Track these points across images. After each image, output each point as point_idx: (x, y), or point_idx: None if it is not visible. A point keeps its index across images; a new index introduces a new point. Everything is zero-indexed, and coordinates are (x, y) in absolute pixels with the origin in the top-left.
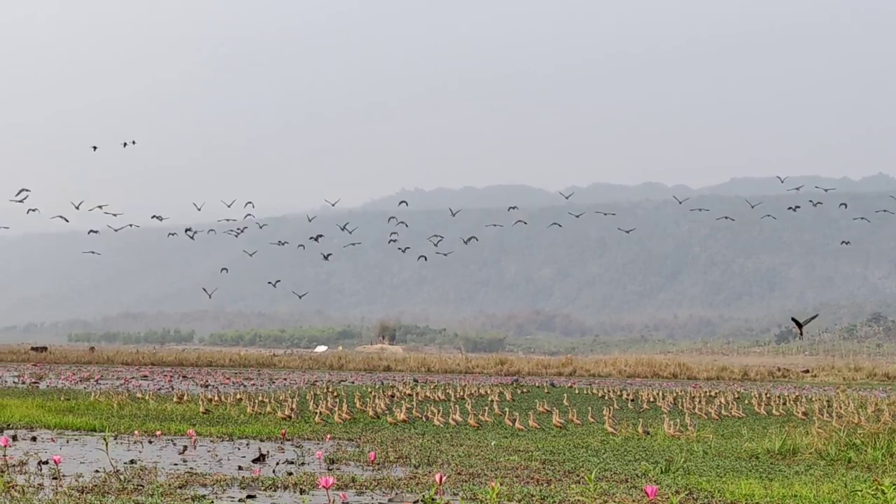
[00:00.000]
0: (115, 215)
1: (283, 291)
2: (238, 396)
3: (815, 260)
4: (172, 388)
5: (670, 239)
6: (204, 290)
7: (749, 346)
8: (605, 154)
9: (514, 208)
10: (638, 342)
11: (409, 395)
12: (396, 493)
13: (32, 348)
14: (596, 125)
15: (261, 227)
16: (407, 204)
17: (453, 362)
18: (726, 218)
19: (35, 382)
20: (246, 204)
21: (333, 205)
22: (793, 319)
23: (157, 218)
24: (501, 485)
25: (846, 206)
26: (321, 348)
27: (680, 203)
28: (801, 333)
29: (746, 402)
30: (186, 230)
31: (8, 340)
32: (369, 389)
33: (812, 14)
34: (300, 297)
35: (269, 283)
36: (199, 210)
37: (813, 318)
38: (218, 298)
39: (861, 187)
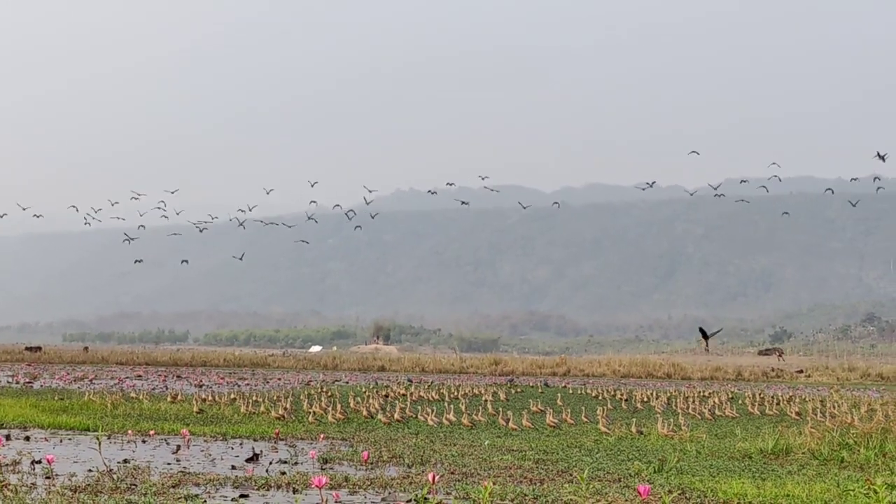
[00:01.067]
0: (122, 217)
1: (278, 291)
2: (232, 396)
3: (809, 260)
4: (166, 388)
5: (665, 239)
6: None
7: (743, 346)
8: (600, 154)
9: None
10: (632, 342)
11: (404, 395)
12: (389, 493)
13: (27, 348)
14: (591, 125)
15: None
16: (435, 193)
17: (448, 362)
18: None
19: (29, 382)
20: (157, 199)
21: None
22: (700, 330)
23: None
24: (494, 484)
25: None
26: (316, 348)
27: (642, 190)
28: (707, 346)
29: (740, 402)
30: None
31: (2, 340)
32: (363, 389)
33: (805, 17)
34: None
35: (234, 257)
36: (137, 198)
37: (718, 331)
38: (213, 298)
39: (855, 188)
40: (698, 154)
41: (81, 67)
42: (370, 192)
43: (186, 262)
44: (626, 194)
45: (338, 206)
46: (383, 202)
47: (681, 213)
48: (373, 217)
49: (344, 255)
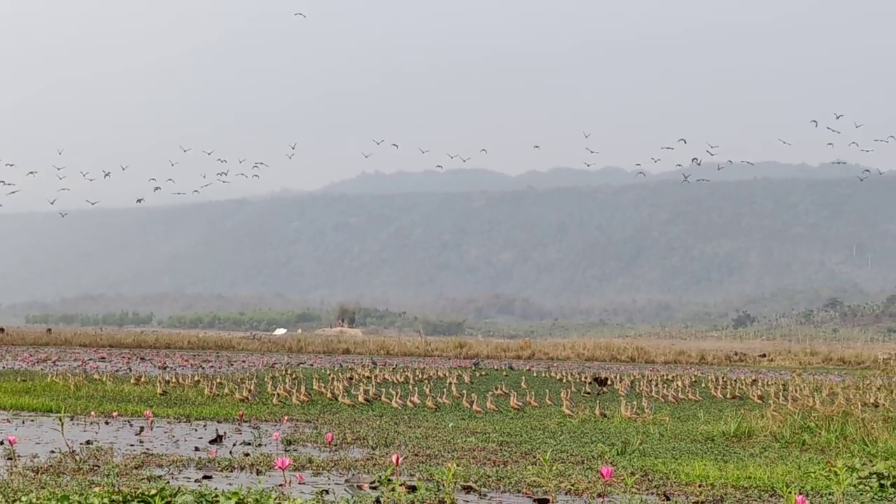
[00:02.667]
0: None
1: (243, 274)
2: (196, 378)
3: (773, 245)
4: (130, 370)
5: (629, 223)
6: None
7: (707, 330)
8: (566, 138)
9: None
10: (596, 326)
11: (368, 377)
12: (353, 474)
13: None
14: (556, 110)
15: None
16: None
17: (412, 345)
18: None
19: None
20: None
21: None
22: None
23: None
24: (458, 466)
25: None
26: (280, 331)
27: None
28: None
29: (703, 385)
30: None
31: None
32: (328, 372)
33: (765, 6)
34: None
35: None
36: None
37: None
38: (177, 281)
39: (819, 173)
40: (685, 142)
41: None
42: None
43: (197, 191)
44: (591, 179)
45: None
46: (349, 185)
47: (645, 198)
48: None
49: (309, 238)
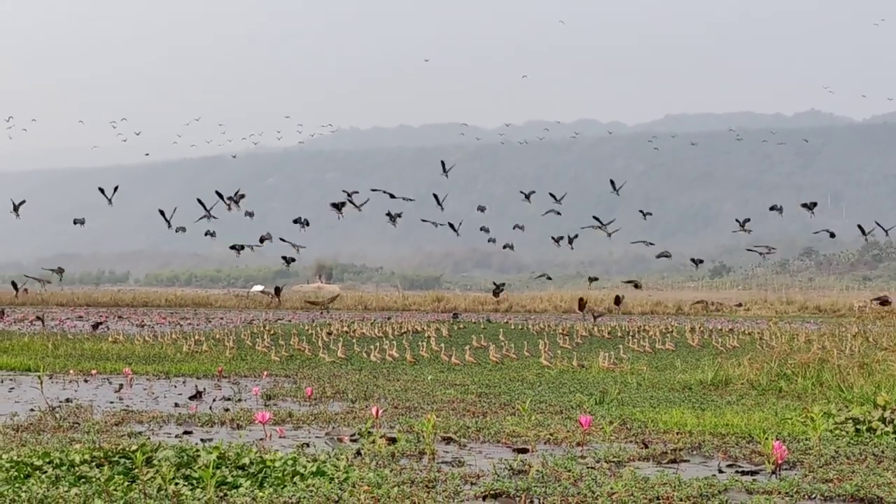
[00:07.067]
0: None
1: (219, 231)
2: (174, 336)
3: (748, 195)
4: (108, 329)
5: (605, 176)
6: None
7: (683, 280)
8: (540, 90)
9: None
10: (573, 278)
11: (346, 332)
12: (333, 427)
13: None
14: (531, 61)
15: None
16: None
17: (390, 300)
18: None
19: None
20: None
21: None
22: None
23: None
24: (438, 417)
25: None
26: (257, 288)
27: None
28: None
29: (680, 335)
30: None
31: None
32: (306, 327)
33: None
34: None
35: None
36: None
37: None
38: (153, 239)
39: (794, 123)
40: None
41: None
42: None
43: (194, 145)
44: (567, 130)
45: None
46: (325, 141)
47: (621, 150)
48: None
49: (286, 195)
